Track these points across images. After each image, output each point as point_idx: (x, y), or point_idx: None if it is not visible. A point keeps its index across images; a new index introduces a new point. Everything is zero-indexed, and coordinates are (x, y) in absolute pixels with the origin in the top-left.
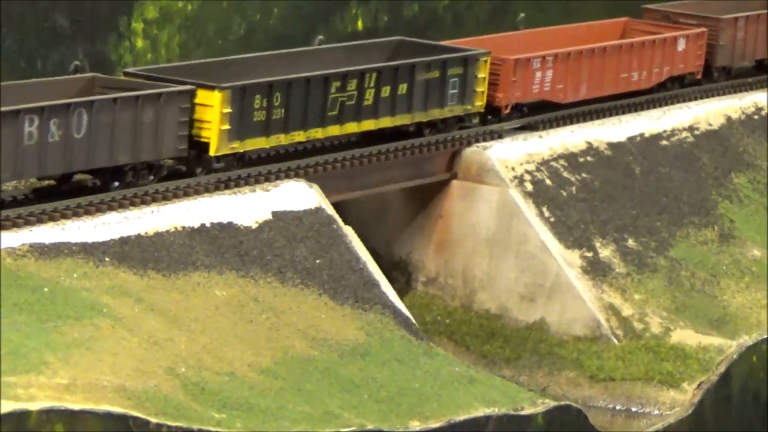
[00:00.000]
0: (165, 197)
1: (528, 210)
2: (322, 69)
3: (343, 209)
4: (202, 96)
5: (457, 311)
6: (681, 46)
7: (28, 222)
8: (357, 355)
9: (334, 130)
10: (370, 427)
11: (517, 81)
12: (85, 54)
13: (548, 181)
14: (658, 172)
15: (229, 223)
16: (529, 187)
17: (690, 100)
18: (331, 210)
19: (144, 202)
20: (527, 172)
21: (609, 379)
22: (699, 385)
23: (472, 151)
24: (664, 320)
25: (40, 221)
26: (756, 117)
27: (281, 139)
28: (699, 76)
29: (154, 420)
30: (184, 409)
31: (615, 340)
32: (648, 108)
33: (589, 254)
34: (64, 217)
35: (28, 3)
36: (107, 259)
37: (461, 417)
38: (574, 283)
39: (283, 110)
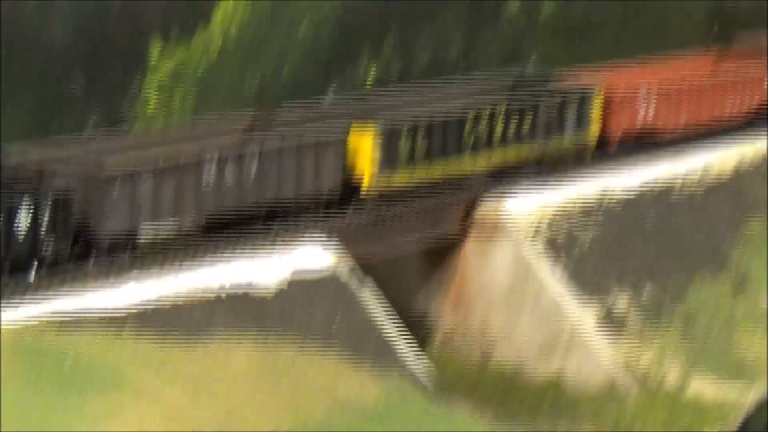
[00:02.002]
0: (185, 260)
1: (543, 265)
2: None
3: (362, 268)
4: (356, 138)
5: (474, 367)
6: None
7: (49, 290)
8: (377, 419)
9: (468, 165)
10: None
11: (623, 113)
12: (100, 116)
13: (562, 236)
14: (671, 221)
15: (249, 286)
16: (544, 239)
17: None
18: (348, 272)
19: (161, 269)
20: (541, 227)
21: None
22: None
23: (486, 207)
24: (681, 371)
25: (59, 289)
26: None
27: (423, 175)
28: None
29: None
30: None
31: (632, 395)
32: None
33: (605, 308)
34: (83, 285)
35: (44, 63)
36: (127, 327)
37: None
38: (590, 337)
39: (425, 146)
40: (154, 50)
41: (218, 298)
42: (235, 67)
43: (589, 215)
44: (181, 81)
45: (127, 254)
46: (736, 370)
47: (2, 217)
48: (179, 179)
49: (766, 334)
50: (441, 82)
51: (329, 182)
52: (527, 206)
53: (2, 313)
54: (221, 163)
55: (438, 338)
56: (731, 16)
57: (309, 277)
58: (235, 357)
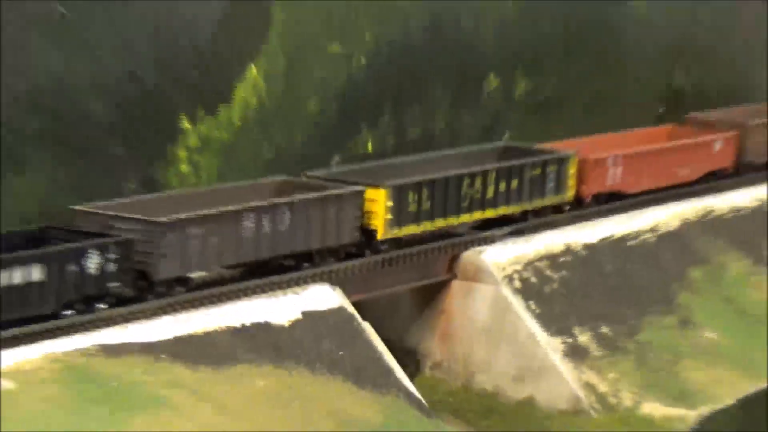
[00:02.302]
0: (211, 301)
1: (517, 304)
2: (457, 169)
3: (361, 307)
4: (371, 193)
5: (459, 391)
6: (717, 146)
7: (97, 325)
8: None
9: (465, 218)
10: None
11: (594, 175)
12: (138, 179)
13: (533, 279)
14: (626, 268)
15: (266, 323)
16: (517, 284)
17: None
18: (351, 309)
19: (192, 306)
20: (516, 271)
21: None
22: None
23: (469, 255)
24: (634, 395)
25: (105, 324)
26: (706, 219)
27: (427, 226)
28: (730, 170)
29: None
30: None
31: (594, 414)
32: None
33: (569, 340)
34: (125, 320)
35: (91, 132)
36: (163, 356)
37: None
38: (558, 366)
39: (429, 203)
40: (184, 125)
41: (242, 329)
42: (253, 138)
43: (556, 263)
44: (206, 150)
45: (178, 292)
46: (681, 393)
47: (74, 261)
48: (222, 228)
49: (708, 364)
50: (440, 152)
51: (349, 232)
52: (504, 254)
53: (62, 342)
54: (257, 214)
55: (428, 366)
56: (678, 98)
57: (318, 313)
58: (256, 380)
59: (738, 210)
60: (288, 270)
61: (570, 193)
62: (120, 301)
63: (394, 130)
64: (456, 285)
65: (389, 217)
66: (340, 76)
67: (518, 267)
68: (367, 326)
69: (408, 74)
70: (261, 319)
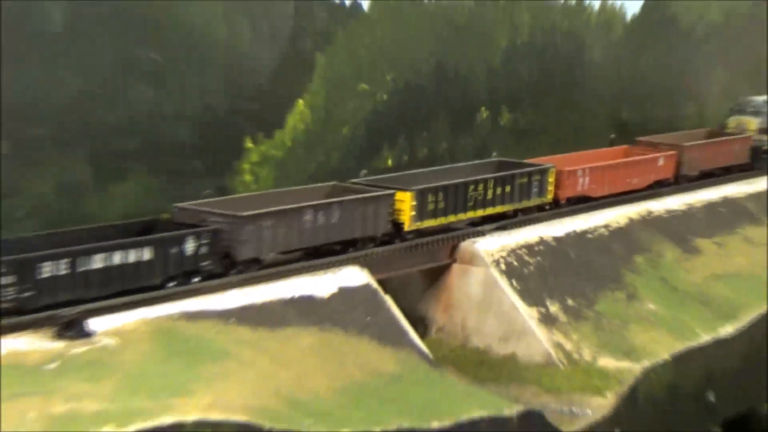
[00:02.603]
0: (267, 279)
1: (502, 282)
2: (464, 177)
3: (383, 284)
4: (399, 196)
5: (458, 349)
6: (661, 162)
7: (180, 296)
8: (395, 379)
9: (471, 215)
10: (405, 426)
11: (568, 183)
12: (213, 186)
13: (515, 263)
14: (587, 255)
15: (311, 295)
16: (502, 266)
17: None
18: (376, 285)
19: (255, 282)
20: (501, 257)
21: (558, 391)
22: (616, 394)
23: (466, 244)
24: (593, 352)
25: (189, 295)
26: (647, 218)
27: (442, 221)
28: (672, 180)
29: (267, 426)
30: (285, 418)
31: (561, 366)
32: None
33: (543, 310)
34: (203, 293)
35: (176, 150)
36: (231, 320)
37: (464, 418)
38: (534, 329)
39: (443, 203)
40: (248, 145)
41: (291, 300)
42: (300, 155)
43: (532, 250)
44: (265, 164)
45: (254, 270)
46: (628, 350)
47: (176, 245)
48: (288, 221)
49: (648, 329)
50: (451, 165)
51: (383, 224)
52: (492, 244)
53: (153, 309)
54: (315, 210)
55: (434, 330)
56: (624, 127)
57: (350, 288)
58: (302, 339)
59: (671, 211)
60: (336, 253)
61: (550, 196)
62: (210, 276)
63: (408, 150)
64: (456, 267)
65: (413, 213)
66: (366, 108)
67: (503, 254)
68: (387, 298)
69: (418, 107)
70: (307, 293)
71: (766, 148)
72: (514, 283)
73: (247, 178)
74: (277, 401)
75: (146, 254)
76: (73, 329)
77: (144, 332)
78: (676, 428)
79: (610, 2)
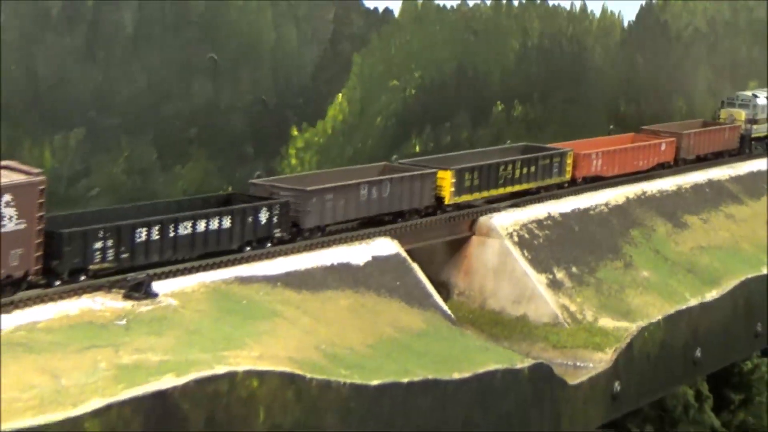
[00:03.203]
0: (309, 248)
1: (515, 252)
2: (495, 159)
3: (410, 254)
4: (441, 174)
5: (476, 310)
6: (663, 147)
7: (234, 263)
8: (421, 336)
9: (501, 191)
10: (430, 377)
11: (584, 164)
12: (263, 168)
13: (526, 235)
14: (588, 229)
15: (348, 263)
16: (515, 238)
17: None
18: (405, 254)
19: (299, 251)
20: (514, 230)
21: (563, 347)
22: (615, 350)
23: (483, 219)
24: (594, 313)
25: (241, 262)
26: (642, 197)
27: (477, 195)
28: (672, 163)
29: (308, 375)
30: (324, 369)
31: (566, 325)
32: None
33: (551, 276)
34: (254, 260)
35: (231, 137)
36: (278, 284)
37: (481, 370)
38: (543, 293)
39: (478, 180)
40: (293, 133)
41: (331, 267)
42: (339, 142)
43: (541, 225)
44: (308, 150)
45: (319, 236)
46: (625, 312)
47: (251, 216)
48: (346, 195)
49: (643, 293)
50: (485, 148)
51: (427, 198)
52: (506, 219)
53: (209, 274)
54: (369, 186)
55: (455, 293)
56: (622, 119)
57: (382, 257)
58: (340, 300)
59: (663, 191)
60: (387, 223)
61: (568, 176)
62: (280, 242)
63: (433, 138)
64: (474, 239)
65: (452, 189)
66: (397, 101)
67: (516, 227)
68: (415, 266)
69: (442, 101)
70: (344, 261)
71: (752, 136)
72: (526, 252)
73: (293, 161)
74: (317, 354)
75: (226, 222)
76: (140, 290)
77: (202, 294)
78: (667, 380)
79: (609, 10)
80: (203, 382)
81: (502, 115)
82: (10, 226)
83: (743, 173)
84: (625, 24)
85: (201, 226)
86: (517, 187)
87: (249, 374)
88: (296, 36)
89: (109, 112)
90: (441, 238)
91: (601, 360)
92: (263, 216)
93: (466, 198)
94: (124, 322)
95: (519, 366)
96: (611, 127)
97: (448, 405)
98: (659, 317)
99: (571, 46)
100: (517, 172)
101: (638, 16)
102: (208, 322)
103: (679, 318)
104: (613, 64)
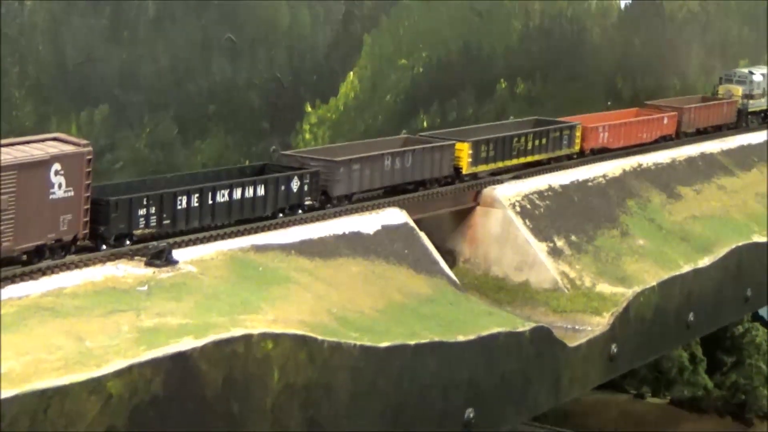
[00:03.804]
0: (323, 218)
1: (517, 221)
2: (509, 132)
3: (418, 223)
4: (459, 146)
5: (481, 277)
6: (665, 121)
7: (250, 232)
8: (428, 301)
9: (514, 161)
10: (436, 339)
11: (591, 137)
12: (278, 143)
13: (528, 206)
14: (587, 199)
15: (359, 231)
16: (518, 209)
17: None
18: (413, 224)
19: (312, 221)
20: (517, 201)
21: (563, 311)
22: (612, 314)
23: (487, 190)
24: (592, 279)
25: (257, 231)
26: (638, 169)
27: (492, 166)
28: (674, 136)
29: (320, 338)
30: (335, 332)
31: (566, 291)
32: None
33: (551, 244)
34: (269, 229)
35: (248, 113)
36: (293, 252)
37: (485, 333)
38: (544, 260)
39: (493, 152)
40: (307, 109)
41: (343, 236)
42: (351, 118)
43: (542, 195)
44: (322, 125)
45: (347, 204)
46: (622, 278)
47: (284, 184)
48: (372, 165)
49: (638, 260)
50: (499, 122)
51: (446, 168)
52: (509, 190)
53: (228, 242)
54: (393, 156)
55: (460, 261)
56: (618, 96)
57: (392, 226)
58: (351, 267)
59: (658, 164)
60: (409, 192)
61: (577, 148)
62: (310, 209)
63: (440, 114)
64: (479, 209)
65: (470, 160)
66: (406, 79)
67: (518, 198)
68: (422, 234)
69: (449, 79)
70: (355, 229)
71: (748, 110)
72: (527, 222)
73: (307, 136)
74: (329, 318)
75: (260, 191)
76: (161, 258)
77: (220, 261)
78: (661, 343)
79: None
80: (221, 343)
81: (506, 92)
82: (59, 193)
83: (734, 147)
84: (622, 6)
85: (237, 193)
86: (529, 158)
87: (264, 336)
88: (310, 17)
89: (132, 89)
90: (447, 209)
91: (598, 323)
92: (295, 185)
93: (482, 168)
94: (145, 287)
95: (521, 329)
96: (609, 103)
97: (454, 365)
98: (654, 283)
99: (570, 27)
100: (530, 144)
101: None
102: (225, 288)
103: (673, 283)
104: (610, 43)
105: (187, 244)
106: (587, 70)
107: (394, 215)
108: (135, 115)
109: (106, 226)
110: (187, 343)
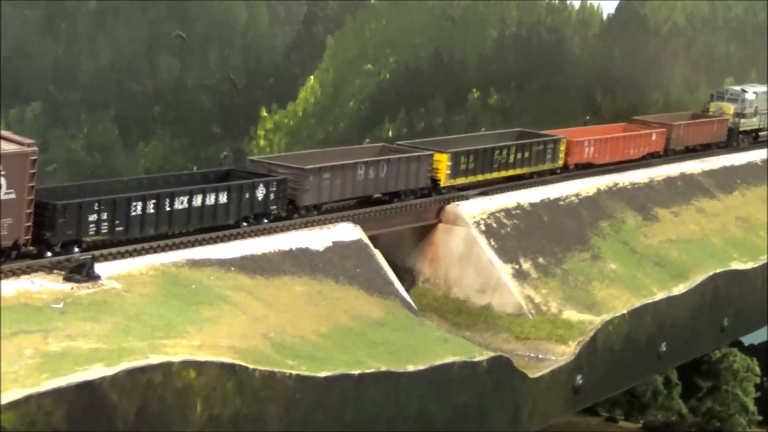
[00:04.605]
0: (268, 232)
1: (482, 240)
2: (490, 143)
3: (374, 240)
4: (437, 156)
5: (440, 298)
6: (653, 137)
7: (187, 245)
8: (378, 325)
9: (495, 175)
10: (383, 369)
11: (576, 152)
12: (230, 148)
13: (494, 224)
14: (557, 219)
15: (307, 248)
16: (482, 227)
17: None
18: (367, 240)
19: (256, 234)
20: (482, 219)
21: (526, 339)
22: (578, 343)
23: (451, 207)
24: (559, 305)
25: (193, 245)
26: (614, 188)
27: (472, 179)
28: (662, 153)
29: (251, 366)
30: (269, 359)
31: (530, 316)
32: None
33: (516, 266)
34: (207, 243)
35: (197, 116)
36: (232, 268)
37: (438, 362)
38: (508, 283)
39: (473, 164)
40: (263, 114)
41: (288, 252)
42: (310, 124)
43: (510, 214)
44: (278, 131)
45: (315, 214)
46: (590, 304)
47: (248, 192)
48: (343, 174)
49: (609, 285)
50: (479, 132)
51: (423, 180)
52: (474, 207)
53: (160, 256)
54: (366, 166)
55: (420, 281)
56: (598, 110)
57: (343, 242)
58: (296, 286)
59: (635, 183)
60: (384, 203)
61: (560, 162)
62: (276, 218)
63: (407, 123)
64: (441, 227)
65: (448, 171)
66: (371, 85)
67: (484, 216)
68: (377, 252)
69: (417, 86)
70: (303, 245)
71: (740, 129)
72: (492, 242)
73: (261, 142)
74: (265, 344)
75: (222, 198)
76: (81, 272)
77: (149, 277)
78: (630, 374)
79: (589, 2)
80: (135, 372)
81: (478, 102)
82: None
83: (716, 167)
84: (605, 16)
85: (197, 201)
86: (510, 172)
87: (186, 365)
88: (268, 16)
89: (69, 86)
90: (406, 225)
91: (563, 353)
92: (260, 192)
93: (461, 181)
94: (61, 305)
95: (477, 358)
96: (587, 117)
97: (402, 397)
98: (624, 311)
99: (549, 36)
100: (512, 157)
101: (618, 8)
102: (150, 308)
103: (645, 311)
104: (591, 55)
105: (116, 256)
106: (565, 82)
107: (347, 231)
108: (71, 115)
109: (52, 232)
110: (97, 371)
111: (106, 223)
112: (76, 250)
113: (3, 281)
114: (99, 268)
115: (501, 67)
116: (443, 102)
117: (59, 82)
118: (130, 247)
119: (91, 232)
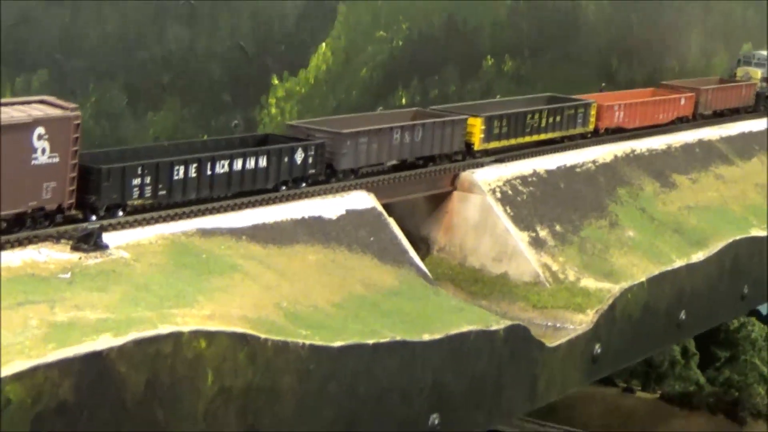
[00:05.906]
0: (280, 200)
1: (497, 208)
2: (521, 108)
3: (388, 208)
4: (471, 120)
5: (456, 267)
6: (682, 101)
7: (197, 214)
8: (392, 294)
9: (527, 139)
10: (399, 338)
11: (606, 116)
12: (241, 117)
13: (509, 192)
14: (574, 186)
15: (320, 216)
16: (498, 195)
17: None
18: (381, 209)
19: (267, 203)
20: (497, 186)
21: (543, 307)
22: (596, 311)
23: (465, 174)
24: (576, 273)
25: (203, 214)
26: (631, 155)
27: (504, 143)
28: (691, 117)
29: (263, 336)
30: (282, 329)
31: (547, 285)
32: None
33: (533, 234)
34: (218, 212)
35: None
36: (243, 237)
37: (454, 332)
38: (524, 251)
39: (506, 128)
40: (274, 81)
41: (301, 220)
42: (322, 92)
43: (526, 181)
44: (290, 99)
45: (353, 178)
46: (608, 272)
47: (288, 156)
48: (380, 138)
49: (627, 253)
50: (512, 97)
51: (458, 144)
52: (490, 175)
53: (170, 225)
54: (402, 130)
55: (435, 250)
56: (613, 77)
57: (357, 210)
58: (309, 255)
59: (652, 150)
60: (419, 167)
61: (591, 126)
62: (315, 182)
63: (420, 91)
64: (456, 194)
65: (482, 135)
66: (384, 52)
67: (499, 183)
68: (391, 220)
69: (431, 53)
70: (316, 214)
71: (767, 94)
72: (508, 209)
73: (273, 111)
74: (277, 313)
75: (262, 162)
76: (89, 242)
77: (159, 246)
78: (648, 343)
79: None
80: (143, 342)
81: (492, 70)
82: (42, 159)
83: (734, 134)
84: None
85: (238, 165)
86: (542, 136)
87: (196, 335)
88: None
89: (76, 55)
90: (420, 193)
91: (581, 321)
92: (299, 157)
93: (494, 144)
94: (68, 275)
95: (494, 327)
96: (603, 84)
97: (417, 367)
98: (643, 278)
99: (564, 3)
100: (543, 121)
101: None
102: (159, 278)
103: (664, 279)
104: (606, 21)
105: (125, 226)
106: (580, 49)
107: (361, 199)
108: (78, 83)
109: (96, 196)
110: (104, 342)
111: (149, 187)
112: (120, 213)
113: (9, 251)
114: (107, 237)
115: (515, 34)
116: (457, 70)
117: (65, 50)
118: (139, 216)
119: (135, 196)
